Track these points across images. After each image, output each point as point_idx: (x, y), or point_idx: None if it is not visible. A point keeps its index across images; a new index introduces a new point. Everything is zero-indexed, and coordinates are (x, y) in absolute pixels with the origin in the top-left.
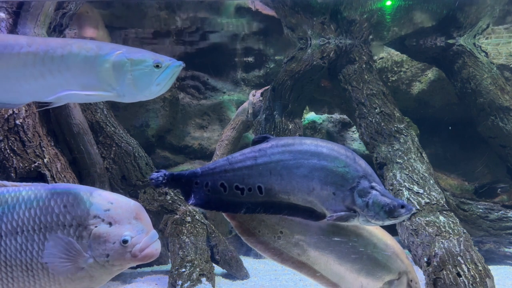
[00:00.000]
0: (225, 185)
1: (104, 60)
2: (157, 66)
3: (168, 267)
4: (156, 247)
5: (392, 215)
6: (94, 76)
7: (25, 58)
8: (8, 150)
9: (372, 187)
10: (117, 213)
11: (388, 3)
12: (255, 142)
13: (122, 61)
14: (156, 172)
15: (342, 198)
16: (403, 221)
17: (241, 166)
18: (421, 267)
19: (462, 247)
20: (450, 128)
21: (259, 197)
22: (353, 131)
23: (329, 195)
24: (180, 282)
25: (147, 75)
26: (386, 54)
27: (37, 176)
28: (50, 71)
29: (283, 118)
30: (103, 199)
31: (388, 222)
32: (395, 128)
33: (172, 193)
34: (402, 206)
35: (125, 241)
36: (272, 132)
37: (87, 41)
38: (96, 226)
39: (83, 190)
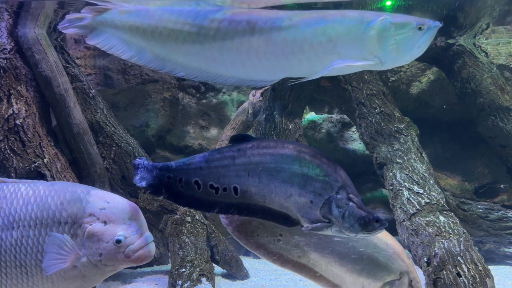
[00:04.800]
0: (199, 183)
1: (369, 27)
2: (420, 28)
3: (168, 267)
4: (150, 249)
5: (367, 228)
6: (357, 45)
7: (286, 32)
8: (8, 150)
9: (350, 199)
10: (113, 212)
11: (388, 3)
12: (234, 140)
13: (387, 27)
14: (139, 158)
15: (319, 207)
16: (403, 220)
17: (218, 164)
18: (421, 267)
19: (462, 247)
20: (447, 115)
21: (233, 198)
22: (353, 131)
23: (306, 203)
24: (180, 282)
25: (411, 38)
26: None
27: (37, 176)
28: (311, 45)
29: (283, 118)
30: (99, 198)
31: (361, 235)
32: (395, 128)
33: None
34: (377, 221)
35: (118, 241)
36: (272, 132)
37: (347, 10)
38: (91, 225)
39: (81, 188)
